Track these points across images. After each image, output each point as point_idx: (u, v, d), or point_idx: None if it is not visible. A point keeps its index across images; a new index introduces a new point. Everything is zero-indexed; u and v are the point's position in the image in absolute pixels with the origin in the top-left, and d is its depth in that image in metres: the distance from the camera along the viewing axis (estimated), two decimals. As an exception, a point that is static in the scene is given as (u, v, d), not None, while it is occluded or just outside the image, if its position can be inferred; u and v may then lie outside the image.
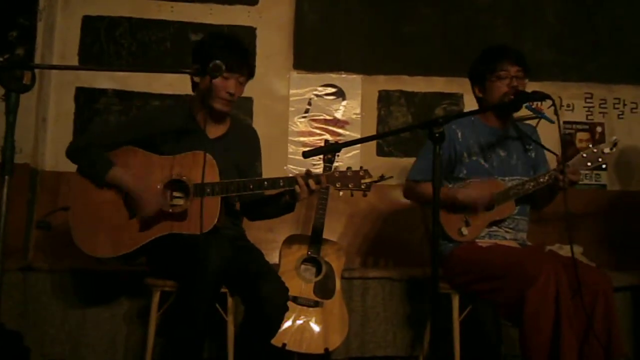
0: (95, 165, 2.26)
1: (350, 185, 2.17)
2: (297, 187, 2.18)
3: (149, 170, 2.24)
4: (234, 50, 2.28)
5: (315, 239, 2.70)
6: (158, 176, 2.23)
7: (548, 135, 2.65)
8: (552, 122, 2.28)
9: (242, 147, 2.45)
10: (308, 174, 2.19)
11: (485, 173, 2.44)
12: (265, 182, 2.20)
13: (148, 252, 2.26)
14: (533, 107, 2.48)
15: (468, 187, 2.40)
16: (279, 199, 2.32)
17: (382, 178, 2.17)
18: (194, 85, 2.37)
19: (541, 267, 2.08)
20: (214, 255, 2.03)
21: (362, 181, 2.17)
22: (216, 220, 2.16)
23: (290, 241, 2.73)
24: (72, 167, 2.33)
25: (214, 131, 2.39)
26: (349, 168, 2.20)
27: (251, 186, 2.20)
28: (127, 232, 2.21)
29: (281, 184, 2.19)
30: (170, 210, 2.18)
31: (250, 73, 2.35)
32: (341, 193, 2.20)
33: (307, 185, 2.17)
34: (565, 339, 2.00)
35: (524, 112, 2.52)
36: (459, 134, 2.48)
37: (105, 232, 2.22)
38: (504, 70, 2.40)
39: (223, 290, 2.27)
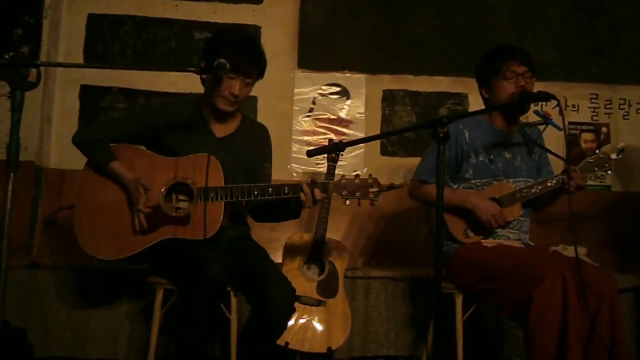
0: (98, 156, 2.25)
1: (357, 194, 2.10)
2: (302, 195, 2.11)
3: (153, 172, 2.21)
4: (244, 51, 2.21)
5: (316, 252, 2.69)
6: (162, 178, 2.20)
7: (552, 135, 2.64)
8: (560, 129, 2.27)
9: (251, 147, 2.39)
10: (314, 182, 2.13)
11: (491, 174, 2.44)
12: (270, 189, 2.13)
13: (150, 255, 2.23)
14: (542, 113, 2.47)
15: (478, 197, 2.37)
16: (287, 203, 2.23)
17: (391, 186, 2.10)
18: (203, 81, 2.31)
19: (548, 268, 2.07)
20: (213, 266, 2.01)
21: (370, 190, 2.09)
22: (219, 225, 2.12)
23: (293, 241, 2.74)
24: (76, 165, 2.33)
25: (223, 130, 2.35)
26: (357, 175, 2.13)
27: (255, 192, 2.13)
28: (130, 235, 2.18)
29: (286, 191, 2.12)
30: (174, 214, 2.16)
31: (259, 74, 2.29)
32: (347, 202, 2.10)
33: (312, 193, 2.11)
34: (571, 340, 1.99)
35: (532, 117, 2.50)
36: (466, 134, 2.47)
37: (108, 233, 2.20)
38: (510, 70, 2.38)
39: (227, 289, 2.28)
